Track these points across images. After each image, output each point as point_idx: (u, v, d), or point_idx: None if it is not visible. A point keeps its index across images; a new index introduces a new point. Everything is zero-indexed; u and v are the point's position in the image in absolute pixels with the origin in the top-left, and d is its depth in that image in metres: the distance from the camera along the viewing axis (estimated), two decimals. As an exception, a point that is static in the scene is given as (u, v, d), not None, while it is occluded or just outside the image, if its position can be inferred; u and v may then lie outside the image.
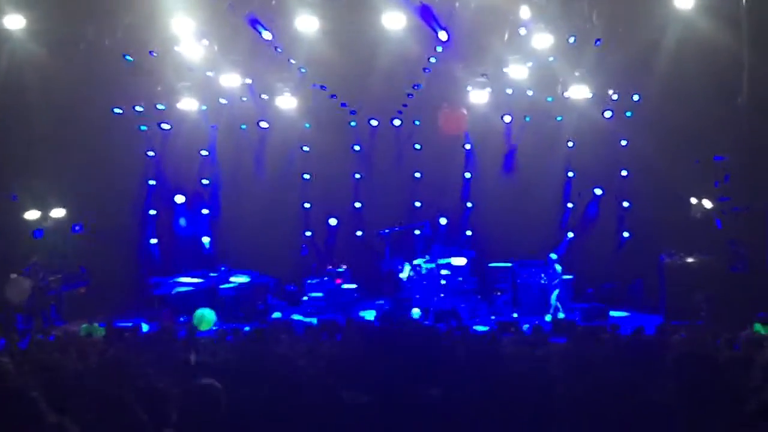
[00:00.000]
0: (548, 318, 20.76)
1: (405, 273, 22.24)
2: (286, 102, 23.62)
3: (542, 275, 21.91)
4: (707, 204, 21.15)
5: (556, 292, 21.46)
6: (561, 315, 20.93)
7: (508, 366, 8.34)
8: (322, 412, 6.18)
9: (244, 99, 24.19)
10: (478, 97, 23.47)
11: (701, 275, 20.32)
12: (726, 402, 5.15)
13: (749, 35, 18.64)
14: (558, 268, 21.63)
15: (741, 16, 18.67)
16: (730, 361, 7.08)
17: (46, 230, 22.22)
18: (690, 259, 20.95)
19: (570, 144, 24.73)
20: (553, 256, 21.87)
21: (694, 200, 21.47)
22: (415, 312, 20.73)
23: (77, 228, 23.09)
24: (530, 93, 23.57)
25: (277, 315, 21.57)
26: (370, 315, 21.45)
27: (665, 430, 5.05)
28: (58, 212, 22.47)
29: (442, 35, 19.71)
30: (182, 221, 25.81)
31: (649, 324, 15.84)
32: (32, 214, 21.98)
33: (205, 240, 25.88)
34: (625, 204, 24.49)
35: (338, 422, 6.02)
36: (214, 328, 19.44)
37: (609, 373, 6.99)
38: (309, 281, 23.12)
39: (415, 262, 22.37)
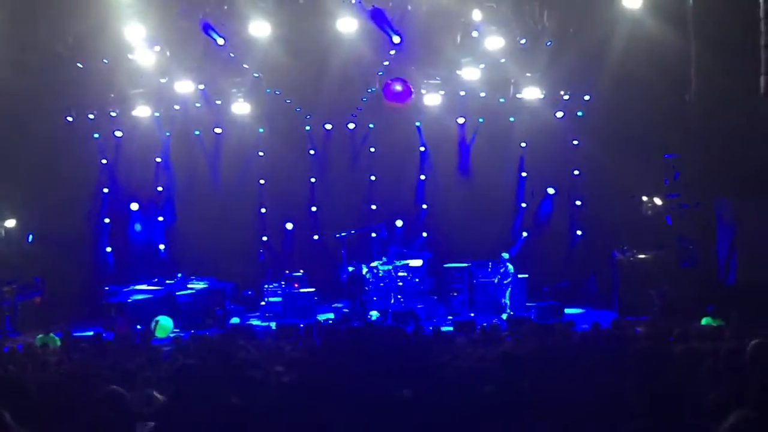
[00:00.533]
0: (504, 317, 20.98)
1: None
2: (240, 107, 23.61)
3: (496, 275, 22.08)
4: (658, 201, 21.52)
5: (509, 291, 21.67)
6: (509, 313, 21.17)
7: (462, 364, 8.46)
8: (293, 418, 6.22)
9: (198, 105, 24.10)
10: (432, 99, 23.66)
11: (653, 271, 20.70)
12: (684, 395, 5.29)
13: (696, 34, 19.01)
14: (510, 267, 21.84)
15: (688, 14, 19.04)
16: (685, 354, 7.25)
17: (-1, 240, 21.95)
18: (642, 256, 21.33)
19: (523, 144, 25.00)
20: (505, 255, 22.05)
21: (644, 198, 21.82)
22: (374, 314, 20.81)
23: (31, 238, 22.85)
24: (483, 95, 23.79)
25: (235, 320, 21.54)
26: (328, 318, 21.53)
27: (626, 422, 5.17)
28: (9, 222, 22.20)
29: (396, 39, 19.86)
30: (137, 227, 25.62)
31: (604, 320, 16.15)
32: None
33: (161, 247, 25.70)
34: (578, 203, 24.81)
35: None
36: (171, 335, 19.35)
37: (570, 369, 7.12)
38: (267, 286, 23.07)
39: (372, 264, 22.45)
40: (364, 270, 22.12)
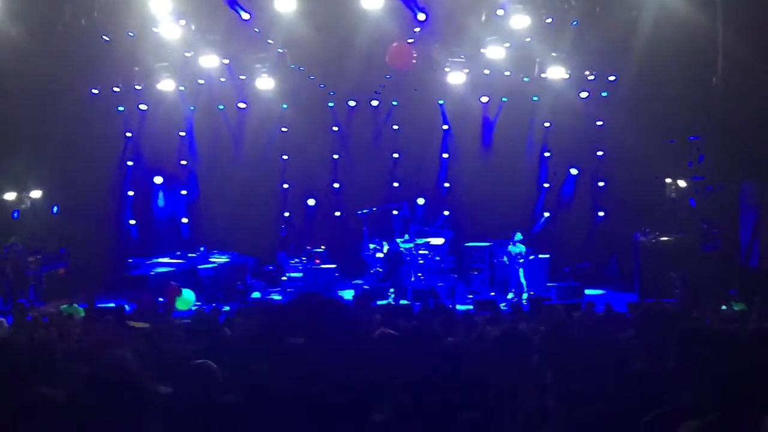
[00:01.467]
0: (510, 296, 21.02)
1: (383, 253, 22.36)
2: (265, 83, 23.65)
3: (504, 256, 21.95)
4: (681, 183, 21.40)
5: (522, 271, 21.59)
6: (518, 294, 21.15)
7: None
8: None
9: (222, 80, 24.17)
10: (456, 77, 23.60)
11: (675, 254, 20.61)
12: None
13: (724, 16, 18.83)
14: (522, 248, 21.72)
15: (716, -3, 18.88)
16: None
17: (24, 211, 22.18)
18: (664, 238, 21.24)
19: (546, 124, 24.94)
20: (518, 236, 21.94)
21: (668, 180, 21.72)
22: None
23: (56, 209, 23.09)
24: (507, 74, 23.72)
25: (256, 295, 21.70)
26: (348, 294, 21.63)
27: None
28: (35, 193, 22.43)
29: (421, 16, 19.80)
30: (161, 201, 25.81)
31: (623, 302, 16.15)
32: (10, 196, 21.92)
33: (184, 220, 25.88)
34: (601, 184, 24.75)
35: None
36: (193, 308, 19.54)
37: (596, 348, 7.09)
38: (288, 261, 23.18)
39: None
40: (385, 247, 22.16)
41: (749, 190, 20.34)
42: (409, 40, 22.21)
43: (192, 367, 6.04)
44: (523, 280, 21.45)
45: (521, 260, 21.55)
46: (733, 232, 20.26)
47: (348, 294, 21.67)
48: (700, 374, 4.96)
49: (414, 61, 22.08)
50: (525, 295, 21.03)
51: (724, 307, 15.70)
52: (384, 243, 22.28)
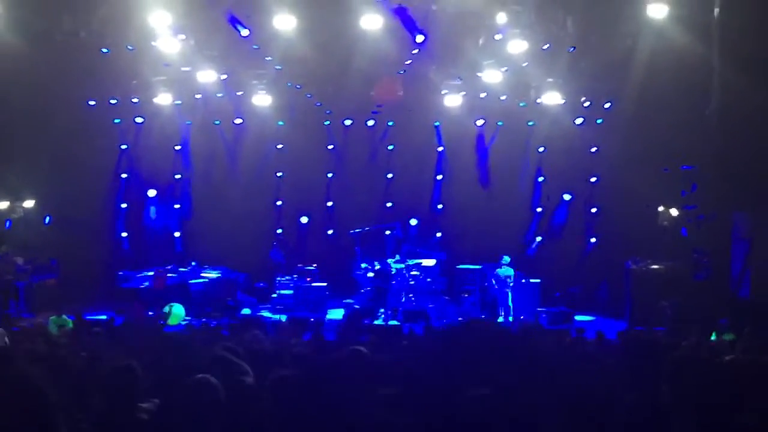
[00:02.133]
0: (500, 320, 21.04)
1: (373, 272, 22.36)
2: (261, 99, 23.70)
3: (493, 278, 22.00)
4: (674, 212, 21.46)
5: (510, 294, 21.61)
6: (510, 319, 21.13)
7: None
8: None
9: (219, 95, 24.23)
10: (452, 100, 23.71)
11: (665, 282, 20.65)
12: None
13: (720, 47, 18.94)
14: (510, 271, 21.77)
15: (712, 27, 18.98)
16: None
17: (17, 221, 22.12)
18: (655, 266, 21.29)
19: (541, 149, 25.03)
20: (506, 259, 21.99)
21: (661, 208, 21.77)
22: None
23: (48, 220, 23.05)
24: (503, 98, 23.82)
25: (246, 311, 21.65)
26: (338, 314, 21.61)
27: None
28: (28, 203, 22.38)
29: (419, 38, 19.89)
30: (152, 213, 25.75)
31: (612, 328, 16.15)
32: (2, 205, 21.87)
33: (176, 234, 25.84)
34: (593, 210, 24.80)
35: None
36: (182, 323, 19.47)
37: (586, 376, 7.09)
38: (279, 278, 23.15)
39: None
40: (376, 267, 22.17)
41: (741, 221, 20.41)
42: (405, 65, 22.33)
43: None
44: (510, 304, 21.46)
45: (510, 283, 21.57)
46: (724, 262, 20.29)
47: (338, 313, 21.67)
48: (691, 405, 4.98)
49: (400, 94, 22.36)
50: (510, 319, 21.05)
51: (713, 337, 15.72)
52: (376, 263, 22.29)
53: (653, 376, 5.75)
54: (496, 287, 21.86)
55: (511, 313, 21.33)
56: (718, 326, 16.42)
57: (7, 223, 22.00)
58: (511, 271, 21.70)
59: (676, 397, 5.29)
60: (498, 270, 21.69)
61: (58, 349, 10.51)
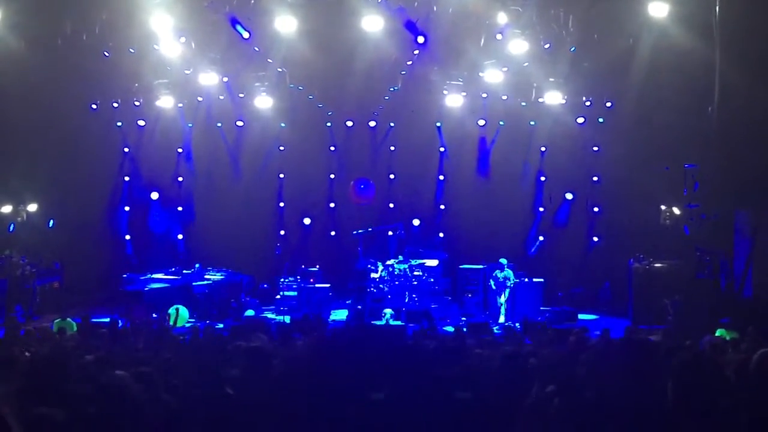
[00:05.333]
0: (502, 320, 21.05)
1: (378, 273, 22.41)
2: (263, 101, 23.74)
3: (491, 280, 22.05)
4: (676, 211, 21.46)
5: (506, 293, 21.62)
6: (502, 319, 21.15)
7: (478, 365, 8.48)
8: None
9: (221, 97, 24.27)
10: (454, 100, 23.73)
11: (668, 280, 20.64)
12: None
13: (721, 45, 18.95)
14: (509, 272, 21.79)
15: (714, 26, 18.98)
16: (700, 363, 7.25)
17: (20, 224, 22.16)
18: (658, 265, 21.29)
19: (543, 149, 25.04)
20: (503, 260, 22.00)
21: (663, 207, 21.78)
22: (388, 312, 20.87)
23: (52, 223, 23.10)
24: (505, 98, 23.86)
25: (250, 313, 21.66)
26: (341, 315, 21.66)
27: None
28: (32, 207, 22.43)
29: (420, 39, 19.95)
30: (156, 216, 25.82)
31: (616, 327, 16.15)
32: (6, 208, 21.91)
33: (180, 237, 25.89)
34: (596, 209, 24.82)
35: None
36: (187, 324, 19.50)
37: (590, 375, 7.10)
38: (282, 280, 23.17)
39: (388, 262, 22.52)
40: (380, 268, 22.20)
41: (743, 219, 20.41)
42: (408, 62, 22.40)
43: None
44: (503, 303, 21.42)
45: (510, 284, 21.58)
46: (726, 261, 20.30)
47: (341, 314, 21.70)
48: (697, 406, 5.00)
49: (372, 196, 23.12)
50: (501, 319, 21.05)
51: (718, 333, 15.73)
52: (379, 263, 22.35)
53: (656, 376, 5.77)
54: (494, 289, 21.90)
55: (505, 313, 21.32)
56: (720, 325, 16.43)
57: (11, 227, 22.04)
58: (510, 273, 21.71)
59: (680, 397, 5.31)
60: (496, 272, 21.72)
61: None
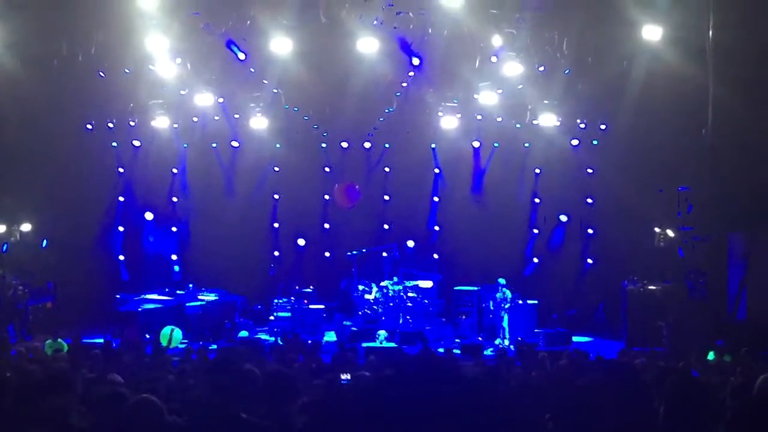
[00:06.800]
0: (498, 342, 21.02)
1: (372, 294, 22.39)
2: (258, 122, 23.79)
3: (490, 301, 22.06)
4: (670, 233, 21.50)
5: (506, 316, 21.60)
6: (506, 341, 21.09)
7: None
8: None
9: (216, 118, 24.28)
10: (448, 122, 23.81)
11: (662, 303, 20.67)
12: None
13: (715, 68, 19.06)
14: (508, 293, 21.80)
15: (707, 50, 19.11)
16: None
17: (13, 244, 22.11)
18: (652, 287, 21.32)
19: (537, 170, 25.09)
20: (502, 281, 22.01)
21: (657, 229, 21.82)
22: (382, 334, 20.84)
23: (45, 243, 23.06)
24: (499, 119, 23.91)
25: (243, 334, 21.61)
26: (330, 337, 21.63)
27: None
28: (25, 226, 22.39)
29: (415, 60, 20.05)
30: (150, 238, 25.77)
31: (610, 349, 16.15)
32: (-1, 228, 21.90)
33: (173, 257, 25.83)
34: (590, 231, 24.83)
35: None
36: (181, 345, 19.44)
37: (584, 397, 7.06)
38: (276, 301, 23.11)
39: (382, 283, 22.49)
40: (374, 289, 22.20)
41: (737, 241, 20.47)
42: (403, 84, 22.49)
43: None
44: (505, 325, 21.43)
45: (507, 305, 21.57)
46: (720, 283, 20.34)
47: (330, 336, 21.69)
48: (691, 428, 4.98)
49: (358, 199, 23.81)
50: (506, 341, 21.02)
51: (711, 357, 15.74)
52: (373, 285, 22.34)
53: (648, 400, 5.76)
54: (492, 309, 21.89)
55: (507, 335, 21.31)
56: (714, 347, 16.45)
57: (4, 247, 21.99)
58: (508, 293, 21.71)
59: (672, 421, 5.30)
60: (495, 293, 21.73)
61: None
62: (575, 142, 24.18)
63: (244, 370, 7.27)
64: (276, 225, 26.05)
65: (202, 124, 24.55)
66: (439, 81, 22.68)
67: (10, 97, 20.65)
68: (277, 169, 25.73)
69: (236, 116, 24.28)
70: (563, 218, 25.06)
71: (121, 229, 25.66)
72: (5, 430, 5.60)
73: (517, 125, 24.12)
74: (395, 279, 22.53)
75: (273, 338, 21.10)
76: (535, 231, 25.48)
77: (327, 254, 25.81)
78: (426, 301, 22.56)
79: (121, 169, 25.43)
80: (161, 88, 22.31)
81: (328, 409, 6.51)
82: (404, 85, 22.70)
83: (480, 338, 21.69)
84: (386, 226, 25.68)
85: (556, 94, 22.33)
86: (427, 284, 22.91)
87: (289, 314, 22.43)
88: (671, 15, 19.11)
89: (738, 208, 19.54)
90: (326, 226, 26.04)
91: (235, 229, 25.01)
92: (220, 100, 23.19)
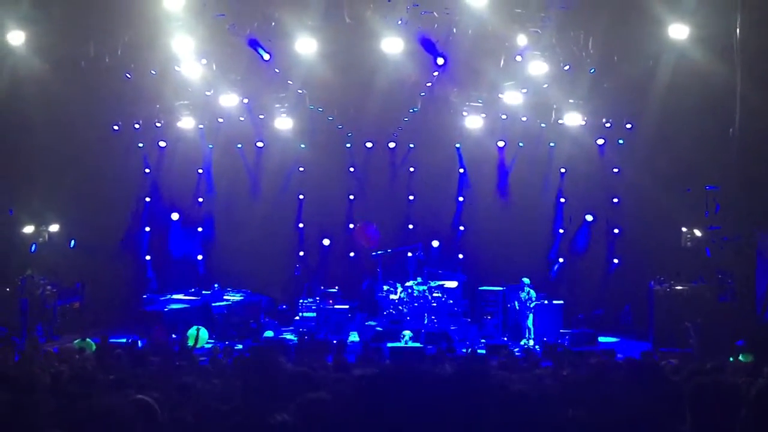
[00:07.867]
0: (523, 342, 20.96)
1: (397, 295, 22.40)
2: (283, 122, 23.87)
3: (516, 301, 22.03)
4: (697, 233, 21.33)
5: (531, 316, 21.56)
6: (531, 342, 21.02)
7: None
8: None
9: (242, 119, 24.38)
10: (473, 122, 23.77)
11: (690, 303, 20.49)
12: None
13: (742, 67, 18.86)
14: (532, 292, 21.76)
15: (735, 47, 18.92)
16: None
17: (42, 245, 22.33)
18: (679, 287, 21.14)
19: (562, 170, 24.99)
20: (526, 280, 21.97)
21: (684, 229, 21.66)
22: (407, 334, 20.82)
23: (73, 243, 23.27)
24: (524, 119, 23.84)
25: (269, 334, 21.69)
26: (354, 337, 21.65)
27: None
28: (53, 227, 22.60)
29: (440, 60, 20.02)
30: (176, 237, 25.94)
31: (636, 350, 16.03)
32: (28, 229, 22.09)
33: (199, 257, 25.97)
34: (616, 231, 24.70)
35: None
36: (207, 345, 19.54)
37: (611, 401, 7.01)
38: (301, 301, 23.17)
39: (407, 284, 22.50)
40: (399, 289, 22.19)
41: (766, 241, 20.24)
42: (428, 84, 22.46)
43: None
44: (530, 325, 21.39)
45: (532, 305, 21.52)
46: (748, 284, 20.13)
47: (354, 336, 21.71)
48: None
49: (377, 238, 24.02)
50: (531, 342, 20.96)
51: (742, 359, 15.58)
52: (398, 285, 22.37)
53: (674, 402, 5.70)
54: (518, 309, 21.84)
55: (532, 335, 21.25)
56: (736, 348, 16.30)
57: (33, 247, 22.22)
58: (532, 293, 21.66)
59: (699, 424, 5.24)
60: (521, 293, 21.68)
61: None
62: (601, 141, 24.08)
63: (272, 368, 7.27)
64: (301, 225, 26.12)
65: (227, 124, 24.67)
66: (464, 81, 22.63)
67: (37, 99, 20.81)
68: (301, 169, 25.81)
69: (261, 117, 24.37)
70: (589, 218, 24.95)
71: (147, 229, 25.84)
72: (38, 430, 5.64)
73: (542, 125, 24.05)
74: (420, 279, 22.52)
75: (297, 338, 21.16)
76: (561, 231, 25.37)
77: (352, 254, 25.85)
78: (451, 302, 22.54)
79: (147, 170, 25.60)
80: (187, 89, 22.45)
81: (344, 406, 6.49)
82: (429, 84, 22.66)
83: (505, 338, 21.65)
84: (411, 226, 25.67)
85: (581, 93, 22.21)
86: (452, 284, 22.91)
87: (314, 314, 22.49)
88: (698, 13, 18.91)
89: (766, 206, 19.32)
90: (351, 226, 26.07)
91: (260, 229, 25.10)
92: (245, 100, 23.27)
